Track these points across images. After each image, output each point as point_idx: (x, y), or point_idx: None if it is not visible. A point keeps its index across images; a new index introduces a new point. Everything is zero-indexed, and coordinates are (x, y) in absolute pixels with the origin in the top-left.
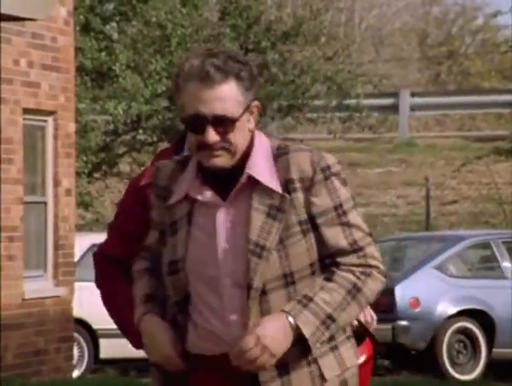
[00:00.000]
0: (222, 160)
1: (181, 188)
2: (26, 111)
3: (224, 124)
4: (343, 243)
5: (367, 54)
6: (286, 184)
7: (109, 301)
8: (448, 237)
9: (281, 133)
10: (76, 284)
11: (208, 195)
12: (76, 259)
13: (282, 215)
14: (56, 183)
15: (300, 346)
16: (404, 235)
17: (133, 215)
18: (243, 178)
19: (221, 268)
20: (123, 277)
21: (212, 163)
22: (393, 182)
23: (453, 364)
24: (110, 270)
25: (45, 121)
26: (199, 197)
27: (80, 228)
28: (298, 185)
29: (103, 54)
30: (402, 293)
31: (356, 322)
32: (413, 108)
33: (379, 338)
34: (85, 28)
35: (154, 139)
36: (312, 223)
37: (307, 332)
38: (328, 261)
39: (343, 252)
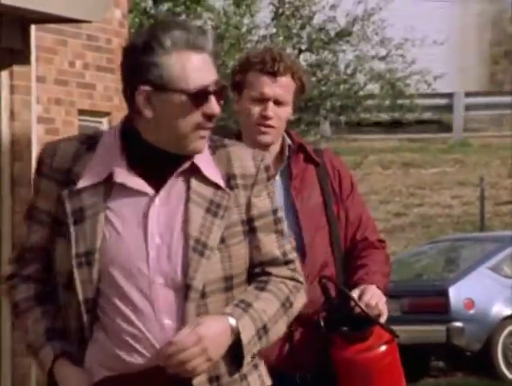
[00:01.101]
0: None
1: (95, 170)
2: (81, 112)
3: None
4: (276, 252)
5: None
6: (228, 179)
7: None
8: (502, 238)
9: (333, 132)
10: None
11: (138, 181)
12: None
13: (223, 213)
14: None
15: (231, 357)
16: (458, 235)
17: None
18: (185, 166)
19: (152, 265)
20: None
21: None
22: (447, 183)
23: (508, 366)
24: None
25: (100, 122)
26: (128, 182)
27: None
28: (240, 182)
29: None
30: (457, 294)
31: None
32: (468, 108)
33: (434, 340)
34: (140, 30)
35: None
36: (250, 226)
37: (245, 339)
38: (258, 270)
39: (276, 263)
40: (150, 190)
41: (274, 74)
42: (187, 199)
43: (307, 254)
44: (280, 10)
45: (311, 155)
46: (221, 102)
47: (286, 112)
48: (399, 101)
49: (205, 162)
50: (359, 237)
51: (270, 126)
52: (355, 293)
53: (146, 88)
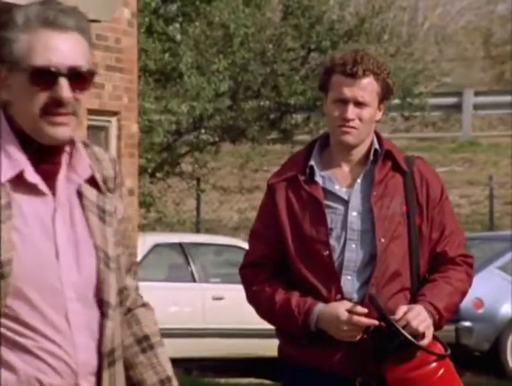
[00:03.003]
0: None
1: (5, 166)
2: (90, 112)
3: None
4: (126, 262)
5: (430, 53)
6: (105, 182)
7: (268, 307)
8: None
9: None
10: (139, 283)
11: (37, 178)
12: (138, 259)
13: (109, 219)
14: None
15: None
16: (468, 235)
17: (266, 212)
18: (64, 161)
19: (64, 278)
20: (274, 279)
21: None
22: (456, 182)
23: None
24: (255, 275)
25: (109, 121)
26: (37, 182)
27: (143, 228)
28: (110, 185)
29: (166, 55)
30: None
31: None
32: (476, 107)
33: (442, 340)
34: (149, 30)
35: (216, 139)
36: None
37: None
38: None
39: (127, 274)
40: (47, 190)
41: (353, 76)
42: (82, 205)
43: (379, 261)
44: (290, 10)
45: (398, 163)
46: (82, 89)
47: (369, 113)
48: (408, 100)
49: (82, 160)
50: (439, 250)
51: (351, 127)
52: (398, 313)
53: None
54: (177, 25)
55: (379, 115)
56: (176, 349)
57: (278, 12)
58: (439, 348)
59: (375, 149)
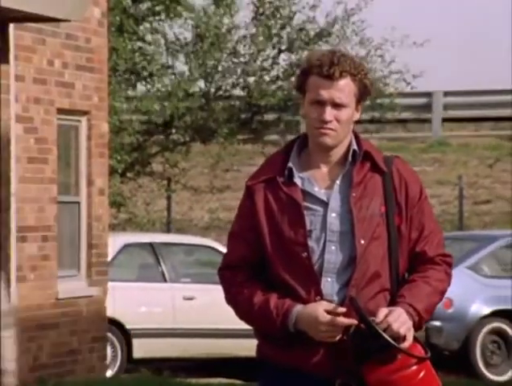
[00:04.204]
0: None
1: None
2: (60, 111)
3: None
4: None
5: (400, 55)
6: None
7: (247, 309)
8: (481, 237)
9: None
10: (110, 284)
11: None
12: (109, 259)
13: None
14: (90, 183)
15: None
16: None
17: (244, 213)
18: None
19: None
20: (247, 280)
21: None
22: (426, 182)
23: (487, 365)
24: (233, 277)
25: (79, 121)
26: None
27: (113, 228)
28: None
29: (137, 54)
30: None
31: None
32: (446, 107)
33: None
34: (120, 29)
35: (187, 139)
36: None
37: None
38: None
39: None
40: None
41: (330, 77)
42: None
43: (359, 263)
44: (260, 10)
45: (377, 163)
46: None
47: (347, 114)
48: (379, 100)
49: None
50: (418, 250)
51: (328, 129)
52: (379, 316)
53: None
54: (148, 24)
55: (357, 116)
56: (147, 349)
57: (248, 12)
58: (419, 350)
59: (354, 150)
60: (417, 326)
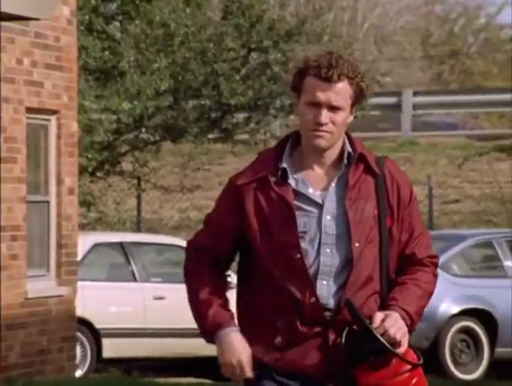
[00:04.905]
0: None
1: None
2: (29, 110)
3: None
4: None
5: (370, 53)
6: None
7: (191, 290)
8: (450, 236)
9: (284, 131)
10: (79, 283)
11: None
12: (78, 258)
13: None
14: (59, 182)
15: None
16: None
17: (225, 209)
18: None
19: None
20: (208, 268)
21: None
22: None
23: (456, 364)
24: (197, 259)
25: (48, 120)
26: None
27: (83, 227)
28: None
29: (106, 53)
30: None
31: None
32: (415, 107)
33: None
34: (89, 28)
35: (157, 138)
36: None
37: None
38: None
39: None
40: None
41: (328, 80)
42: None
43: (355, 266)
44: (230, 9)
45: (371, 166)
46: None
47: (342, 117)
48: None
49: None
50: (408, 252)
51: (324, 131)
52: (376, 322)
53: None
54: (117, 23)
55: (351, 118)
56: (117, 349)
57: (218, 11)
58: (411, 355)
59: (349, 153)
60: (409, 330)
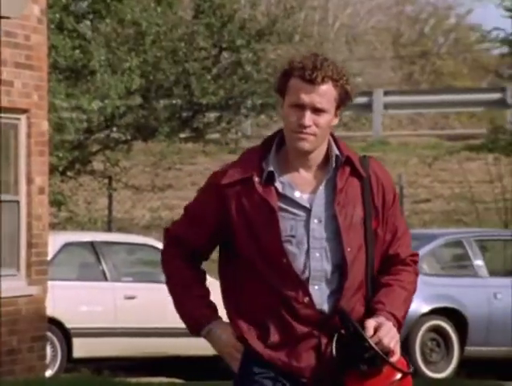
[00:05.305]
0: None
1: None
2: None
3: None
4: None
5: (340, 52)
6: None
7: (167, 277)
8: (421, 235)
9: (255, 131)
10: (50, 283)
11: None
12: (49, 258)
13: None
14: (29, 182)
15: None
16: None
17: (207, 205)
18: None
19: None
20: (182, 259)
21: None
22: None
23: (426, 362)
24: (173, 249)
25: (18, 119)
26: None
27: (54, 227)
28: None
29: (77, 52)
30: None
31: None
32: (386, 106)
33: None
34: (59, 26)
35: (128, 137)
36: None
37: None
38: None
39: None
40: None
41: (312, 82)
42: None
43: (350, 271)
44: (201, 8)
45: (357, 168)
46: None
47: (326, 119)
48: None
49: None
50: (392, 252)
51: (307, 133)
52: (370, 330)
53: None
54: (88, 22)
55: (336, 121)
56: (87, 348)
57: (189, 11)
58: (402, 363)
59: (336, 156)
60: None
